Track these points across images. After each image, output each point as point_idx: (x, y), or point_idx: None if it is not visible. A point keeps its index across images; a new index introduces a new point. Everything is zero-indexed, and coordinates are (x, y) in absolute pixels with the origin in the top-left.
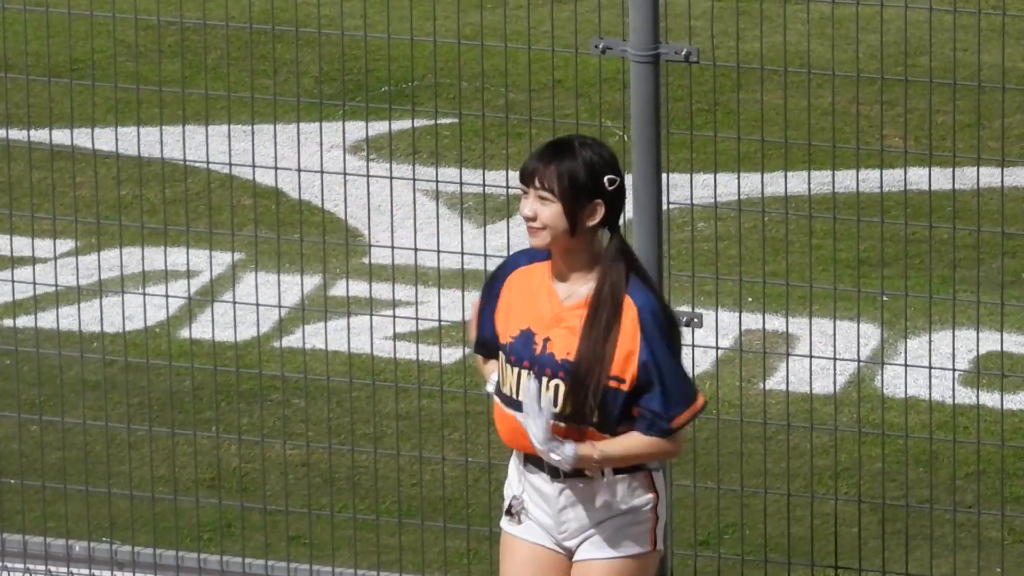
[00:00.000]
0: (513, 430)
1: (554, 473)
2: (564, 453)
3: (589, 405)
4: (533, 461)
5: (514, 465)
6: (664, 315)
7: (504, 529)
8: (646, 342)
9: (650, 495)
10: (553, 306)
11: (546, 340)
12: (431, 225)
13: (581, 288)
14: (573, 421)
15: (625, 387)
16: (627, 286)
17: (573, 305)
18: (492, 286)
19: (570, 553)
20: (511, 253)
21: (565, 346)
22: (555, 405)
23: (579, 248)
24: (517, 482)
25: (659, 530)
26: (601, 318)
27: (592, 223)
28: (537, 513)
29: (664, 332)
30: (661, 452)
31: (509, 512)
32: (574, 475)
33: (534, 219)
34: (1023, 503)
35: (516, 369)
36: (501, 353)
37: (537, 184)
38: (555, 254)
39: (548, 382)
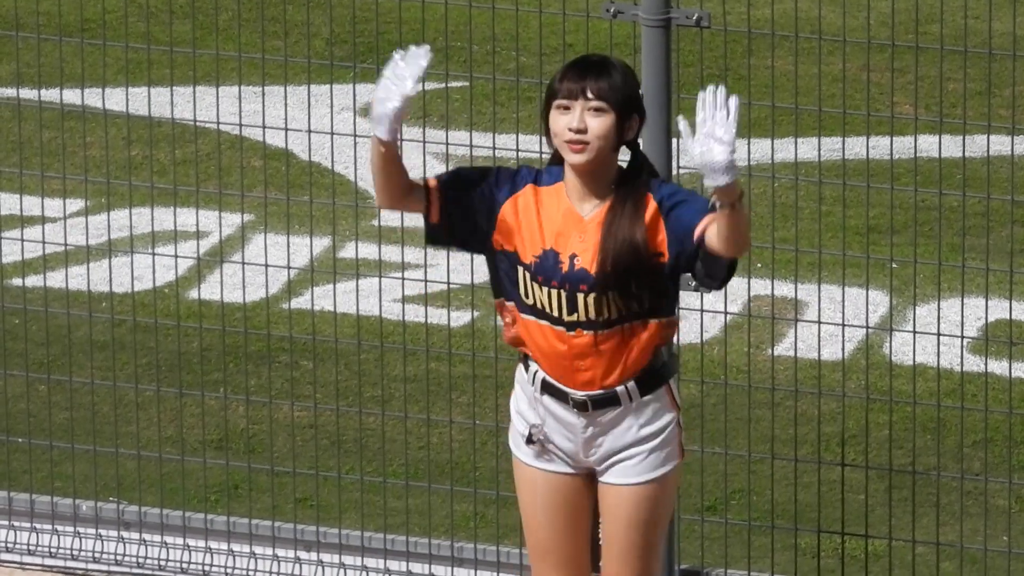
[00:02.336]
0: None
1: (580, 407)
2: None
3: (637, 294)
4: (552, 392)
5: (524, 392)
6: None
7: (520, 459)
8: (667, 209)
9: (673, 412)
10: (575, 225)
11: (572, 257)
12: None
13: (601, 204)
14: (624, 319)
15: (665, 259)
16: (648, 188)
17: (593, 218)
18: (501, 185)
19: (593, 472)
20: (528, 166)
21: (595, 260)
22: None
23: (609, 164)
24: (530, 408)
25: (683, 437)
26: (620, 215)
27: (629, 137)
28: (559, 440)
29: (680, 189)
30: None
31: (530, 441)
32: (600, 406)
33: (584, 131)
34: None
35: (546, 288)
36: (524, 271)
37: (590, 95)
38: (580, 173)
39: (584, 297)
